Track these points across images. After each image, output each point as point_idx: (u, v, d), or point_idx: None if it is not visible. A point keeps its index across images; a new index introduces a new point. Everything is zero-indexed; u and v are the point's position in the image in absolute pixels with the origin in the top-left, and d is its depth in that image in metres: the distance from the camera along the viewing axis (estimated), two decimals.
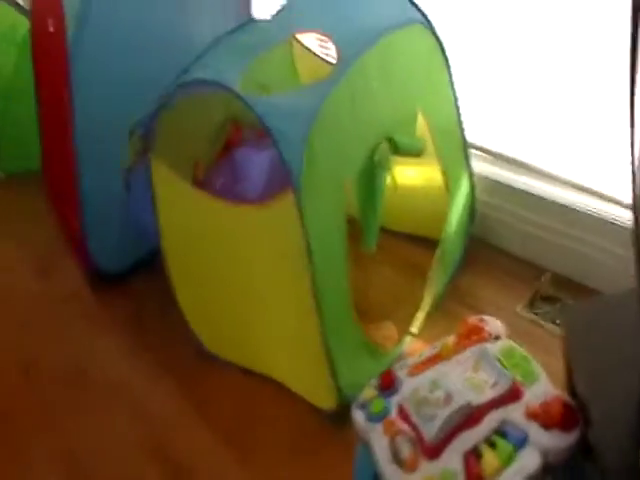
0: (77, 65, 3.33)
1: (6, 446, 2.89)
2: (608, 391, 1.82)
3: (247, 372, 2.85)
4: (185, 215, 2.82)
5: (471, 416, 1.76)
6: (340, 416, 2.45)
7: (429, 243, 2.97)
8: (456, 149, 3.03)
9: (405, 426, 1.79)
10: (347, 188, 2.55)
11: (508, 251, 3.06)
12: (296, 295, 2.45)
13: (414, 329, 2.69)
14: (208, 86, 2.57)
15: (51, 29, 3.47)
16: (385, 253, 3.23)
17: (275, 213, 2.38)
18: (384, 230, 3.14)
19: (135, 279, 3.60)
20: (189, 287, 2.98)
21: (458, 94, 3.07)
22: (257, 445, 2.63)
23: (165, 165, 2.74)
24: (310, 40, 3.54)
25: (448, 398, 1.77)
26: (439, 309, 2.74)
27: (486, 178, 3.13)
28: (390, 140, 2.76)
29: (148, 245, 3.23)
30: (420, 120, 2.90)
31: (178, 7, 3.58)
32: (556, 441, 1.68)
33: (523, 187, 2.98)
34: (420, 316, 2.74)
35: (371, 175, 2.85)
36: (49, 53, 3.56)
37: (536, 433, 1.69)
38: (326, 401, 2.57)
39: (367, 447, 1.86)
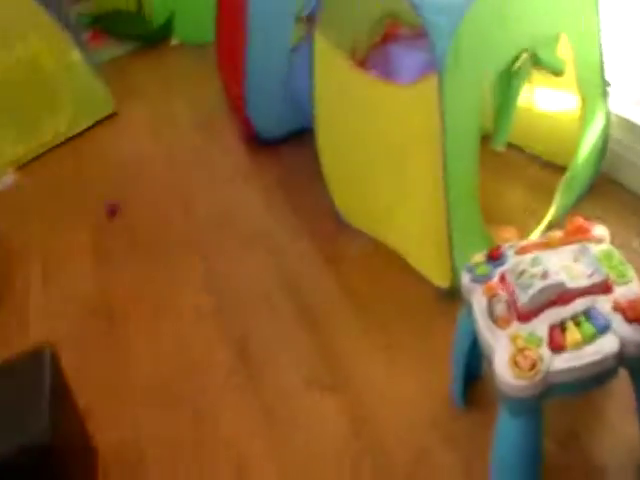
0: None
1: (160, 262, 3.41)
2: None
3: (376, 244, 3.16)
4: (338, 90, 3.11)
5: (563, 295, 1.91)
6: (451, 295, 2.72)
7: (557, 168, 3.05)
8: (595, 80, 2.95)
9: (503, 291, 2.03)
10: (485, 88, 2.76)
11: (632, 190, 3.05)
12: (428, 173, 2.72)
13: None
14: None
15: None
16: (514, 169, 3.28)
17: (419, 93, 2.65)
18: (516, 148, 3.35)
19: (286, 148, 3.97)
20: (334, 159, 3.29)
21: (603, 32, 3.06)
22: (374, 304, 2.94)
23: (326, 41, 3.01)
24: None
25: (545, 274, 1.94)
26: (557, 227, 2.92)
27: (621, 117, 3.11)
28: (532, 53, 2.95)
29: (302, 120, 3.59)
30: (563, 45, 2.98)
31: None
32: (636, 335, 1.80)
33: None
34: (539, 229, 2.84)
35: (510, 81, 3.10)
36: None
37: (619, 324, 1.83)
38: (441, 279, 2.85)
39: (468, 307, 2.11)
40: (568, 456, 2.21)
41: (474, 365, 2.41)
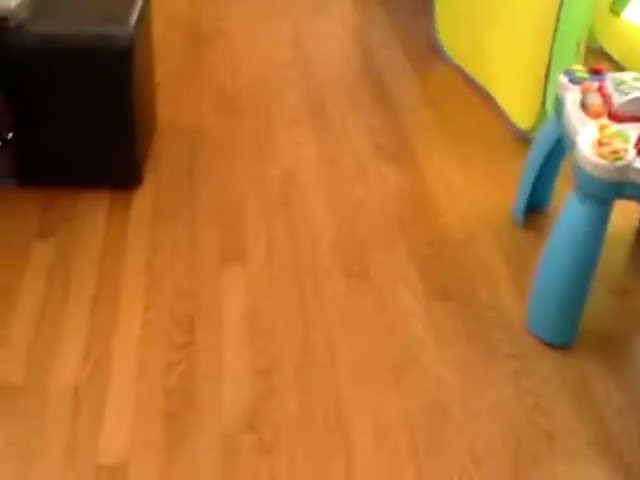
0: None
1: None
2: None
3: (468, 80, 3.17)
4: None
5: None
6: (528, 141, 2.68)
7: None
8: None
9: (599, 96, 2.08)
10: None
11: None
12: (539, 14, 2.73)
13: None
14: None
15: None
16: None
17: None
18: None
19: None
20: None
21: None
22: (455, 123, 2.95)
23: None
24: None
25: None
26: None
27: None
28: None
29: None
30: None
31: None
32: None
33: None
34: None
35: None
36: None
37: None
38: (526, 121, 2.85)
39: (559, 107, 2.15)
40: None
41: (541, 193, 2.43)
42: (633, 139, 1.92)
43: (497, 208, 2.49)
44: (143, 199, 2.41)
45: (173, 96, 2.84)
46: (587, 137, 1.92)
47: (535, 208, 2.47)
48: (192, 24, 3.41)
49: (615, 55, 3.29)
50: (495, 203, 2.51)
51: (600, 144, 1.88)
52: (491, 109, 2.96)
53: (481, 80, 3.09)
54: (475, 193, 2.55)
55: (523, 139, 2.75)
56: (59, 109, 2.33)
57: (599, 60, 3.15)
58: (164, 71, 2.82)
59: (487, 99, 3.01)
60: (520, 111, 2.85)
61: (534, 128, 2.73)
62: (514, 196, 2.45)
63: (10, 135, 2.42)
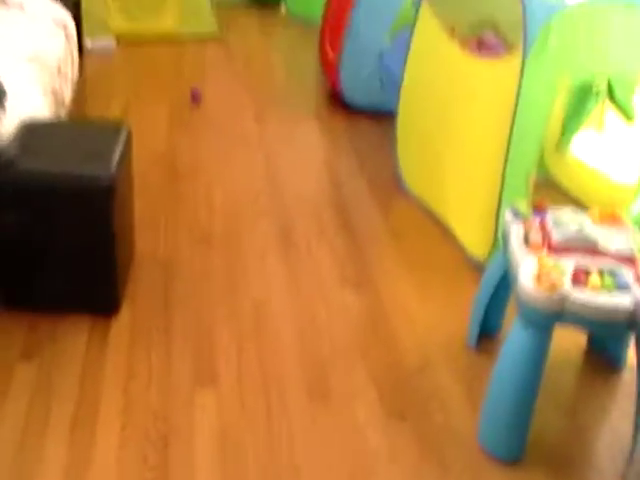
0: None
1: (227, 141, 3.72)
2: None
3: (427, 212, 3.40)
4: (430, 56, 3.35)
5: (593, 249, 2.19)
6: (485, 268, 2.86)
7: None
8: None
9: (539, 231, 2.29)
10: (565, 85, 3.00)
11: None
12: (491, 148, 2.94)
13: None
14: None
15: None
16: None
17: (503, 67, 2.91)
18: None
19: (366, 116, 4.21)
20: (408, 125, 3.53)
21: None
22: (414, 250, 3.18)
23: (431, 10, 3.30)
24: None
25: (581, 228, 2.22)
26: None
27: None
28: (610, 85, 3.20)
29: (386, 101, 3.81)
30: None
31: None
32: None
33: None
34: None
35: (586, 96, 3.35)
36: None
37: (637, 290, 2.06)
38: (480, 251, 3.03)
39: (505, 240, 2.37)
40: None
41: (493, 320, 2.62)
42: (569, 271, 2.13)
43: (452, 334, 2.67)
44: (121, 325, 2.56)
45: (151, 228, 3.04)
46: (527, 269, 2.13)
47: (487, 334, 2.64)
48: (169, 159, 3.64)
49: (566, 187, 3.52)
50: (451, 329, 2.69)
51: (539, 276, 2.08)
52: (449, 239, 3.17)
53: (439, 212, 3.31)
54: (432, 320, 2.73)
55: (479, 268, 2.92)
56: (44, 240, 2.51)
57: (552, 192, 3.37)
58: (142, 204, 3.00)
59: (445, 230, 3.22)
60: (474, 242, 3.07)
61: (488, 258, 2.91)
62: (469, 320, 2.63)
63: None
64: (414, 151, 3.49)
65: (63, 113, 3.39)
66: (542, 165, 3.52)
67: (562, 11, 2.77)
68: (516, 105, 2.77)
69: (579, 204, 3.23)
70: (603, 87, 3.25)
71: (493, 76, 2.97)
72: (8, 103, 2.66)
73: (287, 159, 3.77)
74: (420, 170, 3.47)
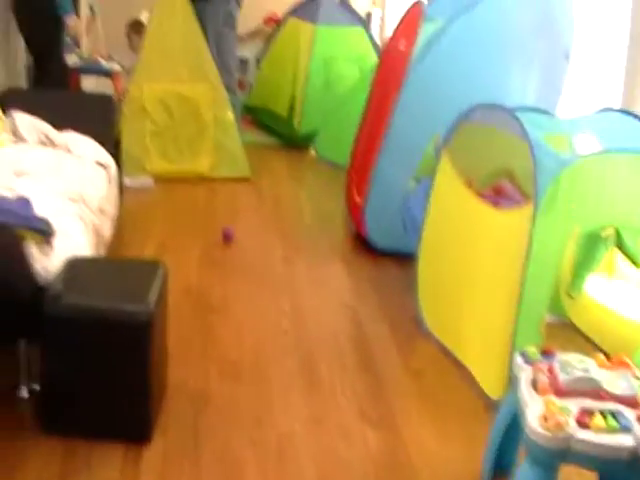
0: (411, 77, 4.25)
1: (254, 282, 3.91)
2: None
3: (446, 352, 3.54)
4: (449, 206, 3.57)
5: (597, 393, 2.30)
6: (498, 406, 2.95)
7: None
8: None
9: (546, 374, 2.45)
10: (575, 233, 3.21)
11: None
12: (504, 295, 3.11)
13: None
14: (502, 112, 3.29)
15: (402, 47, 4.43)
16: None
17: (515, 218, 3.10)
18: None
19: (390, 258, 4.41)
20: (427, 271, 3.73)
21: None
22: (432, 389, 3.30)
23: (450, 162, 3.52)
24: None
25: (587, 372, 2.46)
26: None
27: None
28: (618, 231, 3.36)
29: (409, 244, 3.94)
30: None
31: (508, 68, 4.33)
32: None
33: None
34: None
35: (595, 244, 3.52)
36: (393, 65, 4.49)
37: (638, 431, 2.17)
38: (495, 391, 3.14)
39: (515, 383, 2.52)
40: None
41: (506, 456, 2.70)
42: (574, 413, 2.28)
43: (469, 471, 2.76)
44: (153, 453, 2.69)
45: (182, 360, 3.20)
46: (535, 411, 2.27)
47: (501, 471, 2.72)
48: (201, 294, 3.85)
49: (583, 329, 3.65)
50: (467, 466, 2.79)
51: (545, 417, 2.23)
52: (467, 379, 3.29)
53: (458, 352, 3.45)
54: (448, 456, 2.84)
55: (494, 407, 3.00)
56: (84, 368, 2.69)
57: (569, 333, 3.54)
58: (175, 337, 3.15)
59: (464, 370, 3.34)
60: (490, 382, 3.19)
61: (502, 398, 2.98)
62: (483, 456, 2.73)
63: (37, 387, 2.79)
64: (434, 294, 3.67)
65: (103, 248, 3.61)
66: (559, 307, 3.68)
67: (571, 164, 2.97)
68: (528, 252, 2.94)
69: (596, 344, 3.40)
70: (612, 235, 3.42)
71: (507, 225, 3.16)
72: (55, 241, 2.88)
73: (312, 299, 3.95)
74: (439, 312, 3.63)
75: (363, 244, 4.52)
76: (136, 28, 6.90)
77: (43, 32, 5.12)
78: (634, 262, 3.41)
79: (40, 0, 5.08)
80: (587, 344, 3.50)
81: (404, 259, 4.10)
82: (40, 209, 3.01)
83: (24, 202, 2.94)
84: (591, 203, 3.08)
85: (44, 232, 2.83)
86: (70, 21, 5.23)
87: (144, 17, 6.49)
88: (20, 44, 5.61)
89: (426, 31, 4.28)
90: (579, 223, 3.11)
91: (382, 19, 7.99)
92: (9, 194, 3.09)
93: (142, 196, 5.10)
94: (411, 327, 3.70)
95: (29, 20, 5.17)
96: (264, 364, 3.31)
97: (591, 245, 3.58)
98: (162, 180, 5.32)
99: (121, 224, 4.21)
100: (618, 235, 3.39)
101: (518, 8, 4.27)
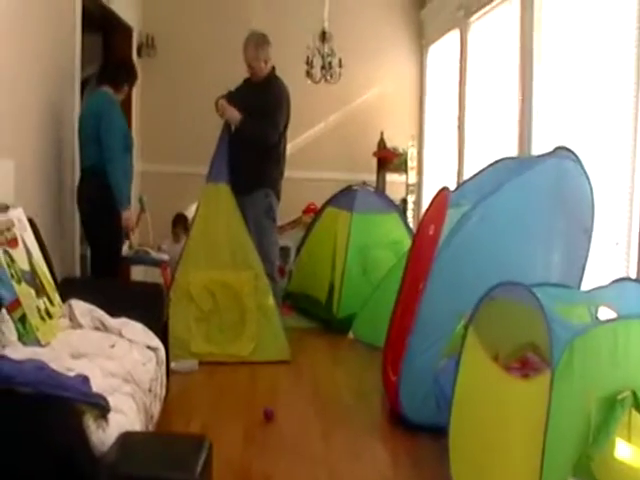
0: (438, 262, 4.53)
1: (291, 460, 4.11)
2: None
3: None
4: (476, 382, 3.77)
5: None
6: None
7: None
8: None
9: None
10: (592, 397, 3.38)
11: None
12: (528, 456, 3.24)
13: None
14: (521, 289, 3.51)
15: (431, 232, 4.76)
16: None
17: (534, 386, 3.29)
18: None
19: (424, 433, 4.55)
20: (459, 443, 3.88)
21: None
22: None
23: (477, 338, 3.76)
24: None
25: None
26: None
27: None
28: (634, 394, 3.39)
29: (442, 418, 4.08)
30: None
31: (530, 247, 4.56)
32: None
33: None
34: None
35: (613, 406, 3.48)
36: (422, 250, 4.83)
37: None
38: None
39: None
40: None
41: None
42: None
43: None
44: None
45: None
46: None
47: None
48: (243, 470, 4.03)
49: None
50: None
51: None
52: None
53: None
54: None
55: None
56: None
57: None
58: None
59: None
60: None
61: None
62: None
63: None
64: (466, 465, 3.81)
65: (152, 425, 3.85)
66: (586, 471, 3.76)
67: (585, 333, 3.17)
68: (547, 418, 3.11)
69: None
70: (629, 397, 3.57)
71: (529, 392, 3.34)
72: (110, 416, 3.14)
73: (350, 472, 4.11)
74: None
75: (398, 420, 4.68)
76: (180, 221, 7.39)
77: (102, 225, 5.49)
78: None
79: (101, 196, 5.44)
80: None
81: (438, 433, 4.20)
82: (97, 387, 3.26)
83: (83, 380, 3.20)
84: (606, 370, 3.25)
85: (101, 407, 3.07)
86: (125, 214, 5.56)
87: (188, 211, 6.95)
88: (76, 235, 5.97)
89: (452, 216, 4.60)
90: (594, 389, 3.29)
91: (416, 204, 8.40)
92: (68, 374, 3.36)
93: (187, 377, 5.35)
94: None
95: (90, 212, 5.54)
96: None
97: (608, 408, 3.72)
98: (206, 362, 5.56)
99: (168, 402, 4.45)
100: (635, 397, 3.55)
101: (537, 192, 4.56)
